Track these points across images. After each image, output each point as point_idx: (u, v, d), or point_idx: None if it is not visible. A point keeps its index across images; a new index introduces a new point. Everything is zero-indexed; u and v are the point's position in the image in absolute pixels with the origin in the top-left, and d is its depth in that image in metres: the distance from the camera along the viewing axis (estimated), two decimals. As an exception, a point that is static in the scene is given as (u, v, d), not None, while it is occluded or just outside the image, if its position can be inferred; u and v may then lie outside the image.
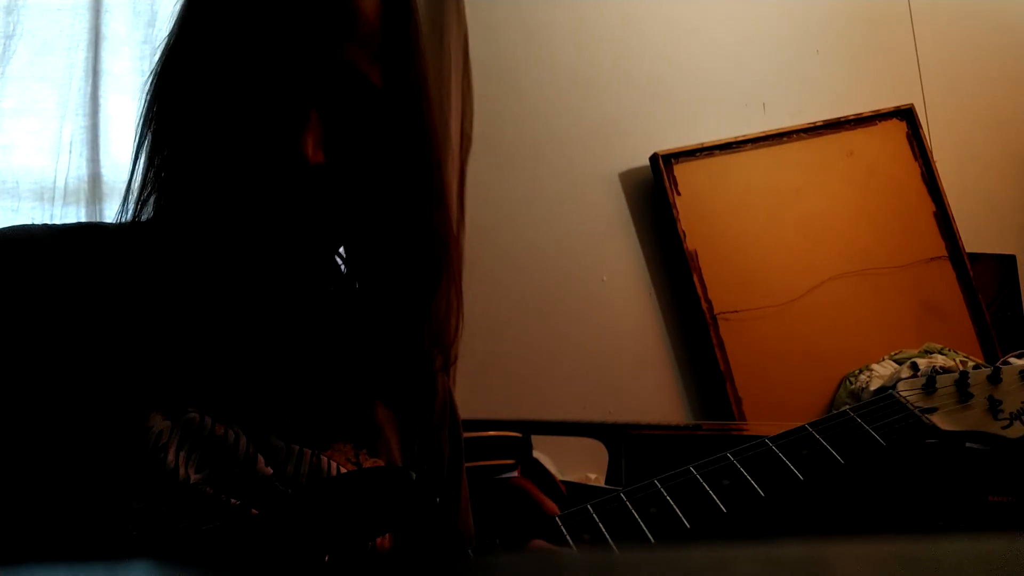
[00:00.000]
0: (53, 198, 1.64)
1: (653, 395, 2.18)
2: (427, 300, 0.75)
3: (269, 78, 0.65)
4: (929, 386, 0.70)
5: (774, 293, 2.23)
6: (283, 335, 0.73)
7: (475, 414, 1.81)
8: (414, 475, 0.63)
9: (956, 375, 0.70)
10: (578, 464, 1.90)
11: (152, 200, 0.70)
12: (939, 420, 0.68)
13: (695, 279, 2.18)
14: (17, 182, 1.62)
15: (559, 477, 1.65)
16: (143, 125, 0.70)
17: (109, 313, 0.66)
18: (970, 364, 2.03)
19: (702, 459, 0.67)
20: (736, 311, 2.19)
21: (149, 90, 0.71)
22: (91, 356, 0.64)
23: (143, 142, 0.70)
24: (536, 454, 1.68)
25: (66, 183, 1.64)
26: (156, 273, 0.68)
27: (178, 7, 0.71)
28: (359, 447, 0.71)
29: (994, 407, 0.68)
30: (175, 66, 0.69)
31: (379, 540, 0.69)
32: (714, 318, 2.17)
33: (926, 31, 2.64)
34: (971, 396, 0.69)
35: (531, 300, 2.10)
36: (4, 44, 1.61)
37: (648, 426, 1.66)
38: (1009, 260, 2.61)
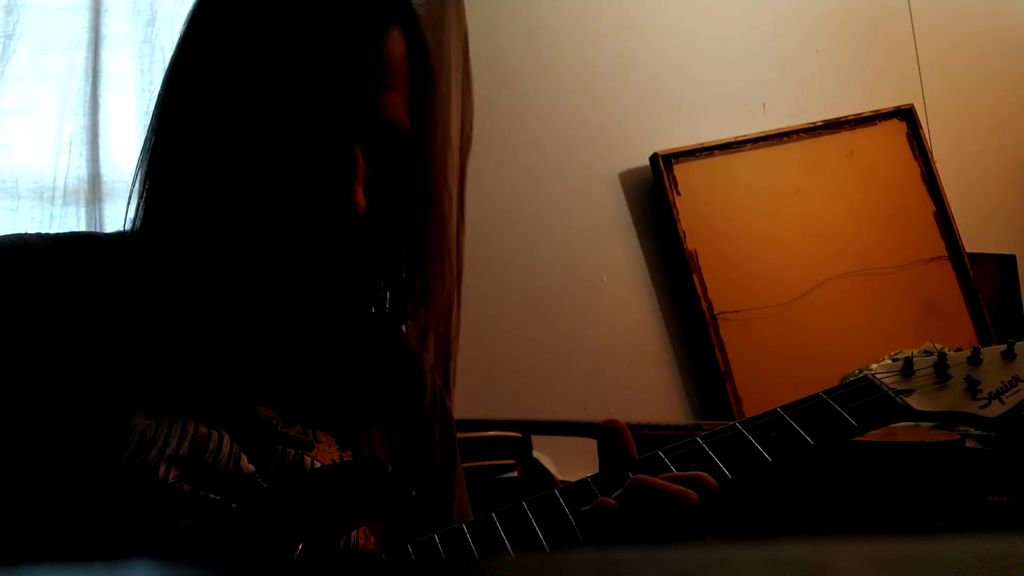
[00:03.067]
0: (53, 198, 1.64)
1: (653, 395, 2.17)
2: (415, 308, 0.76)
3: (318, 133, 0.66)
4: (907, 369, 0.69)
5: (774, 293, 2.23)
6: (272, 336, 0.74)
7: (475, 414, 1.80)
8: (390, 467, 0.64)
9: (935, 357, 0.70)
10: (578, 464, 1.90)
11: (152, 214, 0.70)
12: (915, 401, 0.67)
13: (695, 279, 2.18)
14: (17, 182, 1.62)
15: (559, 477, 1.65)
16: (157, 157, 0.70)
17: (99, 319, 0.67)
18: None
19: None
20: (736, 311, 2.19)
21: (167, 123, 0.70)
22: (79, 360, 0.65)
23: (157, 167, 0.70)
24: (536, 454, 1.68)
25: (66, 183, 1.64)
26: (148, 281, 0.69)
27: (194, 51, 0.70)
28: (343, 447, 0.72)
29: (973, 387, 0.67)
30: (202, 109, 0.67)
31: (362, 541, 0.69)
32: (714, 318, 2.17)
33: (926, 31, 2.64)
34: (949, 377, 0.68)
35: (531, 300, 2.10)
36: (4, 44, 1.61)
37: (648, 426, 1.66)
38: (1009, 260, 2.60)
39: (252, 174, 0.66)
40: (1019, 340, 0.70)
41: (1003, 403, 0.66)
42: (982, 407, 0.66)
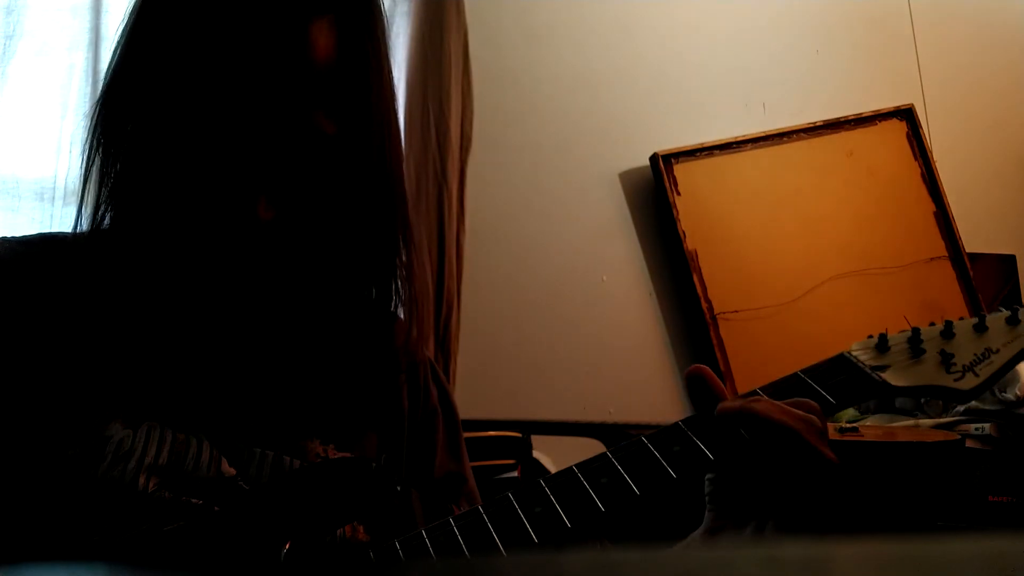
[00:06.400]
0: (53, 198, 1.64)
1: (653, 395, 2.17)
2: (389, 308, 0.76)
3: (222, 140, 0.64)
4: (882, 345, 0.70)
5: (774, 293, 2.23)
6: (244, 338, 0.73)
7: (475, 414, 1.80)
8: (374, 464, 0.64)
9: (909, 332, 0.70)
10: (578, 464, 1.90)
11: (109, 214, 0.71)
12: (890, 376, 0.68)
13: (695, 279, 2.18)
14: (17, 182, 1.62)
15: (559, 477, 1.65)
16: (92, 145, 0.71)
17: (70, 323, 0.67)
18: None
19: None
20: (736, 311, 2.19)
21: (98, 112, 0.70)
22: (52, 366, 0.65)
23: (92, 159, 0.71)
24: (536, 454, 1.68)
25: (66, 183, 1.64)
26: (116, 283, 0.69)
27: (123, 37, 0.70)
28: (327, 442, 0.72)
29: (947, 360, 0.68)
30: (126, 104, 0.68)
31: (349, 531, 0.69)
32: (714, 318, 2.17)
33: (926, 31, 2.64)
34: (923, 352, 0.69)
35: (531, 300, 2.10)
36: (4, 44, 1.61)
37: (648, 426, 1.66)
38: (1009, 260, 2.60)
39: (174, 173, 0.66)
40: (989, 315, 0.71)
41: (976, 375, 0.67)
42: (956, 380, 0.67)
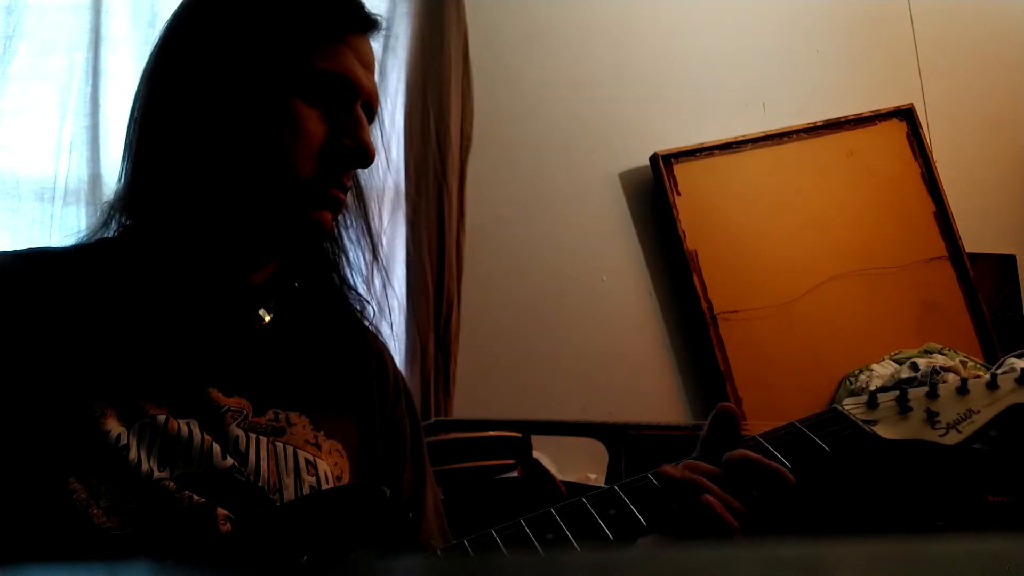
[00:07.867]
0: (53, 198, 1.64)
1: (653, 395, 2.17)
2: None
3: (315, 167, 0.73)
4: (872, 401, 0.77)
5: (774, 293, 2.23)
6: (232, 323, 0.77)
7: (475, 414, 1.81)
8: (388, 492, 0.67)
9: (896, 392, 0.77)
10: (578, 464, 1.90)
11: (144, 207, 0.75)
12: (880, 430, 0.74)
13: (695, 279, 2.18)
14: (17, 182, 1.62)
15: (559, 477, 1.65)
16: (150, 147, 0.74)
17: (63, 330, 0.70)
18: (970, 364, 2.03)
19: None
20: (736, 311, 2.19)
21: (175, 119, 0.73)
22: (47, 368, 0.67)
23: (151, 157, 0.74)
24: (536, 454, 1.68)
25: (66, 183, 1.64)
26: (112, 287, 0.72)
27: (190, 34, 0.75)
28: (317, 427, 0.75)
29: (932, 418, 0.75)
30: (204, 121, 0.73)
31: None
32: (714, 318, 2.17)
33: (926, 31, 2.64)
34: (910, 409, 0.75)
35: (531, 300, 2.10)
36: (4, 44, 1.61)
37: (648, 426, 1.66)
38: (1009, 260, 2.60)
39: (256, 132, 0.71)
40: (970, 379, 0.77)
41: (960, 432, 0.73)
42: (941, 435, 0.73)
